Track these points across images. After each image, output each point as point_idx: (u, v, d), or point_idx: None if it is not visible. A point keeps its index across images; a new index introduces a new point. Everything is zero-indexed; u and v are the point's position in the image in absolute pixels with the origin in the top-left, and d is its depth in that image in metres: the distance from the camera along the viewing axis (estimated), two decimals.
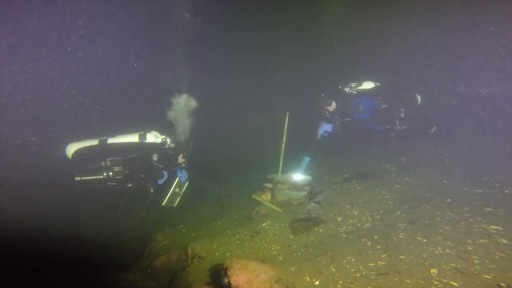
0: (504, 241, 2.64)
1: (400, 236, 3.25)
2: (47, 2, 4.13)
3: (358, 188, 4.60)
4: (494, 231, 2.80)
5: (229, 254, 3.86)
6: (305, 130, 5.58)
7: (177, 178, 4.84)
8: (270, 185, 4.97)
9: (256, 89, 9.17)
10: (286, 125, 5.21)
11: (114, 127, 5.24)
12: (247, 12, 7.78)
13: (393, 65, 6.39)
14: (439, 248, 2.80)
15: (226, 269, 2.77)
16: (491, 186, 3.72)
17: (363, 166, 5.39)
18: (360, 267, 3.00)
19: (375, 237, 3.38)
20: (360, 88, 4.83)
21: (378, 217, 3.77)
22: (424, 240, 3.03)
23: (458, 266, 2.45)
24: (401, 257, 2.93)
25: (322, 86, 5.15)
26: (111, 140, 4.59)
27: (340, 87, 5.03)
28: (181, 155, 4.76)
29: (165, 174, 4.53)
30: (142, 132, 4.61)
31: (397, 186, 4.31)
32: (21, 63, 3.92)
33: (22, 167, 4.57)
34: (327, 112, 4.95)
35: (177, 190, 4.89)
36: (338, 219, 3.96)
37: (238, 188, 6.72)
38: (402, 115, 4.63)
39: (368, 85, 4.86)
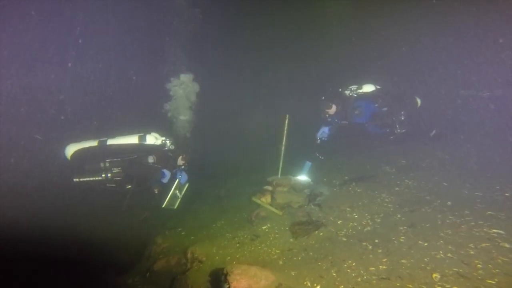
0: (507, 245, 2.60)
1: (401, 240, 3.22)
2: (49, 4, 4.10)
3: (358, 190, 4.56)
4: (496, 235, 2.77)
5: (229, 258, 3.81)
6: (305, 132, 5.53)
7: (177, 180, 4.79)
8: (270, 188, 4.93)
9: (256, 90, 9.14)
10: (286, 127, 5.17)
11: (114, 128, 5.19)
12: (246, 12, 7.73)
13: (394, 67, 6.36)
14: (441, 252, 2.77)
15: (226, 275, 2.72)
16: (492, 189, 3.68)
17: (363, 168, 5.35)
18: (361, 271, 2.96)
19: (376, 240, 3.35)
20: (360, 91, 4.79)
21: (379, 220, 3.73)
22: (426, 244, 3.00)
23: (460, 270, 2.41)
24: (402, 261, 2.89)
25: (323, 88, 5.11)
26: (110, 141, 4.55)
27: (340, 89, 4.99)
28: (180, 157, 4.73)
29: (167, 173, 4.46)
30: (142, 134, 4.56)
31: (397, 188, 4.28)
32: (21, 65, 3.88)
33: (23, 168, 4.54)
34: (327, 115, 4.91)
35: (177, 192, 4.84)
36: (338, 222, 3.92)
37: (238, 189, 6.66)
38: (402, 118, 4.60)
39: (368, 88, 4.82)
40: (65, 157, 4.58)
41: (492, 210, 3.20)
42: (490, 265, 2.39)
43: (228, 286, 2.63)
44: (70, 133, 4.90)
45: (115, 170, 4.45)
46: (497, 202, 3.39)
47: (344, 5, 6.74)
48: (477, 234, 2.84)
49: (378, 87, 4.90)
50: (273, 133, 5.65)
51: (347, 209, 4.14)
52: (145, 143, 4.49)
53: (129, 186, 4.36)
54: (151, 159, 4.38)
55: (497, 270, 2.33)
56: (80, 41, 4.61)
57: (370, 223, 3.71)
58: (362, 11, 6.45)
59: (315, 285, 2.81)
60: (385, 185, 4.46)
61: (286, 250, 3.70)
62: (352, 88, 4.93)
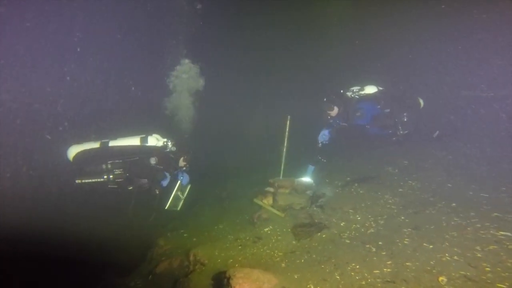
0: None
1: (405, 242, 3.14)
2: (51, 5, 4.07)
3: (361, 191, 4.49)
4: (503, 237, 2.69)
5: (231, 260, 3.74)
6: (306, 133, 5.45)
7: (179, 182, 4.75)
8: (271, 189, 4.87)
9: (256, 90, 9.06)
10: (287, 129, 5.11)
11: (115, 129, 5.15)
12: (246, 12, 7.67)
13: (395, 67, 6.28)
14: (447, 254, 2.69)
15: (228, 278, 2.66)
16: (497, 190, 3.60)
17: (365, 168, 5.27)
18: (365, 274, 2.89)
19: (380, 243, 3.27)
20: (362, 92, 4.72)
21: (382, 222, 3.66)
22: (431, 246, 2.92)
23: (468, 274, 2.34)
24: (407, 264, 2.82)
25: (323, 88, 5.04)
26: (112, 143, 4.53)
27: (342, 91, 4.92)
28: (182, 159, 4.69)
29: (167, 175, 4.42)
30: (144, 135, 4.54)
31: (400, 190, 4.20)
32: (22, 66, 3.85)
33: (24, 170, 4.50)
34: (329, 117, 4.84)
35: (179, 193, 4.80)
36: (341, 224, 3.84)
37: (239, 191, 6.60)
38: (405, 120, 4.53)
39: (370, 89, 4.75)
40: (67, 159, 4.55)
41: (499, 212, 3.11)
42: (499, 268, 2.31)
43: None
44: (72, 135, 4.85)
45: (117, 171, 4.44)
46: (504, 203, 3.31)
47: (344, 5, 6.67)
48: (484, 236, 2.76)
49: (380, 88, 4.82)
50: (274, 133, 5.58)
51: (350, 210, 4.07)
52: (147, 144, 4.46)
53: (131, 188, 4.33)
54: (153, 161, 4.35)
55: (506, 274, 2.25)
56: (80, 41, 4.57)
57: (374, 225, 3.64)
58: (363, 11, 6.39)
59: None
60: (388, 186, 4.39)
61: (288, 252, 3.64)
62: (354, 90, 4.86)
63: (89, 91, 5.04)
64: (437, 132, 4.72)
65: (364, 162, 5.48)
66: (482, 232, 2.83)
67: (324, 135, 4.83)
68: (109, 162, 4.46)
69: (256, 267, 3.31)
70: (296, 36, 8.00)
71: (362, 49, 6.75)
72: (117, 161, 4.47)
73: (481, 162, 4.25)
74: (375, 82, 4.91)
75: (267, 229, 4.27)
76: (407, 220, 3.51)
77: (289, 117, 5.11)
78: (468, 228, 2.96)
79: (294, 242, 3.85)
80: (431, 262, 2.67)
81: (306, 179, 4.95)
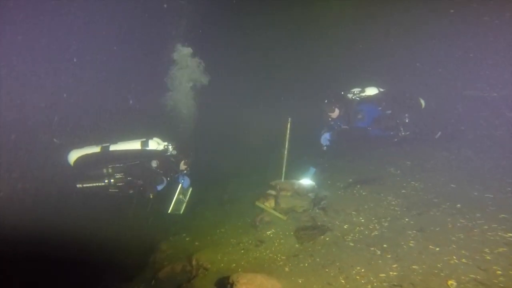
0: None
1: (411, 245, 3.05)
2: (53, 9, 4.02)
3: (363, 193, 4.39)
4: None
5: (234, 265, 3.65)
6: (307, 134, 5.37)
7: (180, 185, 4.69)
8: (273, 192, 4.77)
9: (256, 91, 8.95)
10: (288, 131, 5.03)
11: (115, 131, 5.09)
12: (246, 12, 7.59)
13: (396, 68, 6.20)
14: (454, 257, 2.60)
15: (232, 284, 2.57)
16: (503, 190, 3.51)
17: (366, 169, 5.17)
18: (371, 278, 2.80)
19: (384, 245, 3.18)
20: (363, 94, 4.64)
21: (386, 224, 3.56)
22: (437, 248, 2.83)
23: (478, 277, 2.24)
24: (413, 267, 2.72)
25: (323, 89, 4.97)
26: (113, 147, 4.50)
27: (342, 93, 4.84)
28: (182, 162, 4.64)
29: (165, 180, 4.35)
30: (144, 139, 4.50)
31: (403, 191, 4.10)
32: (22, 68, 3.79)
33: (26, 175, 4.45)
34: (330, 119, 4.76)
35: (181, 197, 4.74)
36: (345, 227, 3.75)
37: (240, 193, 6.50)
38: (407, 121, 4.45)
39: (371, 91, 4.67)
40: (68, 163, 4.49)
41: (506, 213, 3.02)
42: (511, 272, 2.21)
43: None
44: (72, 139, 4.79)
45: (118, 175, 4.43)
46: (510, 204, 3.21)
47: (345, 6, 6.59)
48: (492, 238, 2.66)
49: (381, 89, 4.74)
50: (275, 135, 5.49)
51: (353, 212, 3.97)
52: (148, 148, 4.42)
53: (131, 191, 4.28)
54: (154, 164, 4.31)
55: None
56: (80, 42, 4.50)
57: (377, 227, 3.54)
58: (364, 11, 6.31)
59: None
60: (391, 187, 4.29)
61: (291, 256, 3.54)
62: (355, 92, 4.78)
63: (89, 94, 4.96)
64: (439, 133, 4.63)
65: (366, 163, 5.38)
66: (489, 234, 2.73)
67: (325, 139, 4.75)
68: (110, 166, 4.43)
69: (259, 271, 3.22)
70: (296, 36, 7.93)
71: (363, 50, 6.67)
72: (118, 165, 4.44)
73: (485, 163, 4.16)
74: (376, 83, 4.83)
75: (269, 232, 4.18)
76: (411, 222, 3.42)
77: (290, 119, 5.03)
78: (475, 230, 2.87)
79: (297, 245, 3.75)
80: (439, 265, 2.58)
81: (308, 181, 4.85)
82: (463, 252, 2.59)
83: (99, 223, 5.45)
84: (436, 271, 2.49)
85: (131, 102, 5.92)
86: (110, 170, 4.43)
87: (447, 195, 3.69)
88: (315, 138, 4.93)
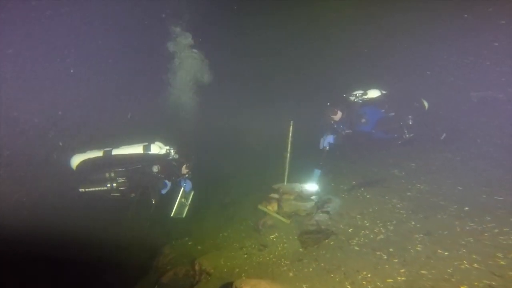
0: None
1: (418, 249, 2.92)
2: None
3: (367, 196, 4.26)
4: None
5: (237, 270, 3.53)
6: (309, 137, 5.25)
7: (182, 189, 4.60)
8: (276, 195, 4.65)
9: (256, 92, 8.85)
10: (290, 134, 4.92)
11: (117, 136, 5.01)
12: (246, 12, 7.49)
13: (401, 68, 6.07)
14: (465, 262, 2.46)
15: None
16: None
17: (370, 171, 5.04)
18: (378, 283, 2.67)
19: (390, 249, 3.06)
20: (365, 97, 4.52)
21: (392, 227, 3.43)
22: (446, 253, 2.69)
23: (493, 283, 2.11)
24: (422, 272, 2.59)
25: (323, 90, 4.85)
26: (115, 152, 4.41)
27: (344, 95, 4.72)
28: (184, 166, 4.55)
29: (168, 183, 4.26)
30: (146, 143, 4.41)
31: (408, 193, 3.97)
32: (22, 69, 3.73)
33: (28, 180, 4.38)
34: (332, 122, 4.64)
35: (183, 200, 4.65)
36: (349, 231, 3.62)
37: (243, 197, 6.38)
38: (410, 123, 4.31)
39: (374, 93, 4.54)
40: (70, 168, 4.42)
41: None
42: None
43: None
44: (75, 144, 4.72)
45: (120, 180, 4.32)
46: None
47: (346, 6, 6.48)
48: (505, 242, 2.53)
49: (384, 92, 4.62)
50: (277, 137, 5.38)
51: (358, 216, 3.84)
52: (150, 152, 4.33)
53: (133, 195, 4.19)
54: (155, 169, 4.21)
55: None
56: (79, 43, 4.44)
57: (383, 231, 3.42)
58: (365, 12, 6.20)
59: None
60: (396, 190, 4.16)
61: (296, 260, 3.41)
62: (357, 94, 4.65)
63: (90, 96, 4.89)
64: (444, 134, 4.49)
65: (369, 165, 5.25)
66: (501, 238, 2.59)
67: (327, 141, 4.62)
68: (112, 170, 4.34)
69: (263, 277, 3.11)
70: (296, 37, 7.82)
71: (365, 51, 6.56)
72: (120, 169, 4.35)
73: (491, 164, 4.02)
74: (378, 85, 4.72)
75: (272, 236, 4.05)
76: (418, 225, 3.29)
77: (292, 122, 4.92)
78: (485, 234, 2.73)
79: (301, 249, 3.63)
80: (449, 270, 2.45)
81: (311, 184, 4.73)
82: (474, 256, 2.46)
83: (102, 228, 5.36)
84: (446, 277, 2.36)
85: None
86: (112, 175, 4.33)
87: (454, 198, 3.55)
88: (318, 141, 4.80)
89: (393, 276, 2.69)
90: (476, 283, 2.16)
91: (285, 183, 4.84)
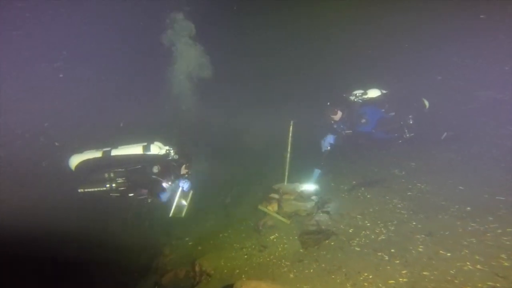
0: None
1: (420, 249, 2.86)
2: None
3: (368, 196, 4.20)
4: None
5: (237, 271, 3.48)
6: (309, 137, 5.19)
7: (180, 189, 4.55)
8: (276, 196, 4.59)
9: (258, 93, 8.78)
10: (290, 134, 4.87)
11: (118, 138, 4.96)
12: (246, 12, 7.43)
13: (399, 68, 6.00)
14: (468, 263, 2.41)
15: None
16: None
17: (370, 171, 4.97)
18: (380, 285, 2.62)
19: (392, 250, 3.00)
20: (365, 96, 4.46)
21: (393, 228, 3.38)
22: (448, 254, 2.64)
23: (498, 285, 2.06)
24: (424, 273, 2.54)
25: (326, 93, 4.79)
26: (114, 152, 4.36)
27: (344, 95, 4.66)
28: (184, 166, 4.49)
29: (165, 186, 4.20)
30: (146, 143, 4.35)
31: (409, 193, 3.91)
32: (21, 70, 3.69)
33: (27, 180, 4.35)
34: (332, 122, 4.59)
35: (182, 200, 4.60)
36: (350, 231, 3.56)
37: (243, 197, 6.32)
38: (411, 122, 4.26)
39: (374, 93, 4.49)
40: (69, 168, 4.37)
41: None
42: None
43: None
44: (74, 144, 4.67)
45: (120, 180, 4.28)
46: None
47: (346, 6, 6.41)
48: (508, 243, 2.47)
49: (384, 91, 4.56)
50: (277, 137, 5.32)
51: (358, 216, 3.79)
52: (149, 153, 4.27)
53: (131, 194, 4.15)
54: (155, 169, 4.15)
55: None
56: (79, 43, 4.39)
57: (384, 231, 3.36)
58: (366, 11, 6.14)
59: None
60: (396, 189, 4.10)
61: (296, 261, 3.36)
62: (357, 94, 4.60)
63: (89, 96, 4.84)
64: (445, 134, 4.43)
65: (369, 165, 5.18)
66: (505, 238, 2.54)
67: (330, 143, 4.57)
68: (111, 171, 4.29)
69: (263, 278, 3.06)
70: (296, 37, 7.75)
71: (365, 50, 6.50)
72: (120, 170, 4.30)
73: (492, 164, 3.96)
74: (379, 85, 4.66)
75: (273, 236, 4.00)
76: (419, 226, 3.23)
77: (292, 122, 4.86)
78: (488, 234, 2.68)
79: (301, 250, 3.57)
80: (451, 271, 2.39)
81: (311, 184, 4.67)
82: (477, 257, 2.40)
83: (101, 228, 5.31)
84: (449, 278, 2.31)
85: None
86: (111, 175, 4.30)
87: (455, 198, 3.50)
88: (318, 141, 4.75)
89: (395, 277, 2.63)
90: (479, 285, 2.11)
91: (285, 183, 4.79)
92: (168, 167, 4.21)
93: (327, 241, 3.53)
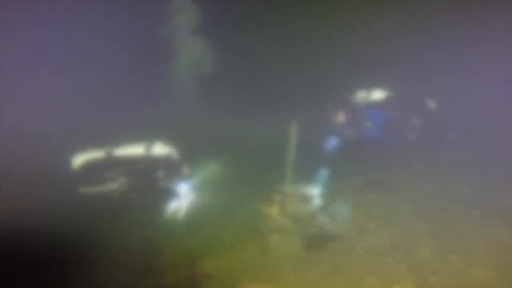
0: None
1: (425, 254, 2.75)
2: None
3: (371, 197, 4.11)
4: None
5: (239, 273, 3.38)
6: (312, 137, 5.10)
7: (182, 189, 4.51)
8: (278, 197, 4.50)
9: (259, 94, 8.71)
10: (293, 135, 4.78)
11: (120, 138, 4.92)
12: (246, 12, 7.38)
13: (403, 68, 5.91)
14: (478, 268, 2.30)
15: None
16: None
17: (373, 172, 4.87)
18: None
19: (396, 253, 2.90)
20: (368, 97, 4.37)
21: (397, 230, 3.28)
22: (455, 258, 2.53)
23: None
24: (431, 279, 2.43)
25: (329, 94, 4.72)
26: (116, 152, 4.31)
27: (347, 96, 4.58)
28: (185, 166, 4.47)
29: (169, 188, 4.18)
30: (148, 143, 4.32)
31: (413, 195, 3.82)
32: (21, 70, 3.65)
33: (26, 178, 4.31)
34: (335, 123, 4.51)
35: (183, 201, 4.57)
36: (353, 234, 3.47)
37: (244, 198, 6.25)
38: (414, 123, 4.17)
39: (377, 94, 4.40)
40: (71, 168, 4.33)
41: None
42: None
43: None
44: (75, 144, 4.63)
45: (122, 180, 4.23)
46: None
47: (346, 6, 6.34)
48: None
49: (387, 92, 4.47)
50: (280, 138, 5.25)
51: (361, 218, 3.69)
52: (151, 153, 4.24)
53: (133, 195, 4.12)
54: (160, 175, 4.14)
55: None
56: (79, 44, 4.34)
57: (388, 234, 3.26)
58: (366, 11, 6.06)
59: None
60: (400, 191, 4.01)
61: (298, 264, 3.26)
62: (360, 95, 4.52)
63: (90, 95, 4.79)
64: (449, 134, 4.33)
65: (372, 166, 5.07)
66: None
67: (334, 146, 4.50)
68: (113, 171, 4.26)
69: (265, 281, 2.98)
70: (297, 37, 7.67)
71: (368, 51, 6.42)
72: (122, 170, 4.27)
73: (498, 165, 3.85)
74: (382, 86, 4.57)
75: (275, 238, 3.90)
76: (424, 229, 3.13)
77: (294, 122, 4.78)
78: (495, 237, 2.57)
79: (303, 252, 3.48)
80: (460, 278, 2.28)
81: (314, 185, 4.59)
82: (487, 263, 2.30)
83: (101, 228, 5.24)
84: (460, 285, 2.19)
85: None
86: (113, 175, 4.27)
87: (461, 200, 3.40)
88: (321, 143, 4.67)
89: (400, 282, 2.54)
90: None
91: (288, 184, 4.70)
92: (169, 167, 4.19)
93: (329, 243, 3.45)
